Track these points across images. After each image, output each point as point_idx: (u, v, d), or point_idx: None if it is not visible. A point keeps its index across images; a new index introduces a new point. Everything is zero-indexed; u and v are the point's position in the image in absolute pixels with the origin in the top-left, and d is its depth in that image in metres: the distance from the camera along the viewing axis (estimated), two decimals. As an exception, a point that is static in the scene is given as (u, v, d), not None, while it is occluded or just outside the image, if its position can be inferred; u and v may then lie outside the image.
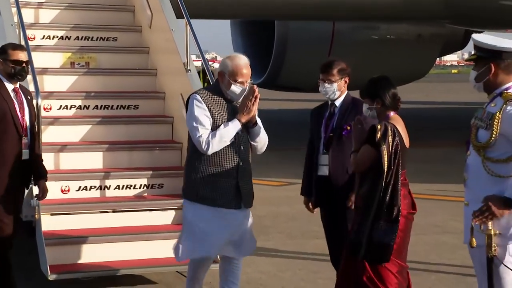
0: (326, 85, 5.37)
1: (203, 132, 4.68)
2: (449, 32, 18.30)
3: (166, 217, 6.10)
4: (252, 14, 15.28)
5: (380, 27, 18.16)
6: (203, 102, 4.74)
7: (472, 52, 4.16)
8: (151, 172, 6.35)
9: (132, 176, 6.30)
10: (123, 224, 5.99)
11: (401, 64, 17.82)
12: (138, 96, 7.10)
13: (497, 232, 3.89)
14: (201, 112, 4.72)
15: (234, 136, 4.74)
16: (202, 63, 7.47)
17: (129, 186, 6.25)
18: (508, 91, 4.01)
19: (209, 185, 4.72)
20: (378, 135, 4.49)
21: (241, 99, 4.80)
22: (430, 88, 37.77)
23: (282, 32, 17.14)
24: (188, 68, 6.63)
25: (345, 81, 5.39)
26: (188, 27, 6.76)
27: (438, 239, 7.63)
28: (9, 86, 5.24)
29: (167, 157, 6.58)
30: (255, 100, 4.73)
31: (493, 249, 3.88)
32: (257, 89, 4.74)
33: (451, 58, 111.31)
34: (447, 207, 8.89)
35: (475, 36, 4.16)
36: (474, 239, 3.91)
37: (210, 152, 4.68)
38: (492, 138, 3.93)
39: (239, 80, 4.77)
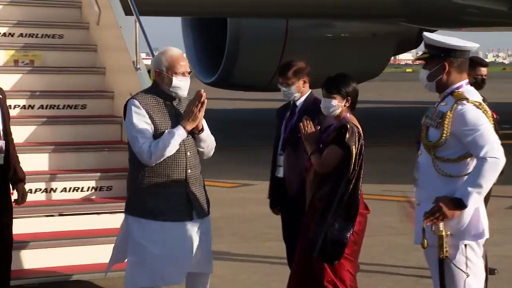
0: (284, 88, 5.37)
1: (144, 141, 4.42)
2: (403, 31, 18.53)
3: (115, 220, 6.05)
4: (203, 11, 15.26)
5: (334, 25, 18.30)
6: (142, 108, 4.47)
7: (423, 51, 4.22)
8: (99, 174, 6.29)
9: (80, 178, 6.23)
10: (70, 228, 5.93)
11: (355, 63, 17.97)
12: (86, 96, 7.03)
13: (448, 233, 3.95)
14: (140, 119, 4.45)
15: (180, 142, 4.49)
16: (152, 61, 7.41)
17: (76, 188, 6.18)
18: (459, 90, 4.08)
19: (155, 198, 4.45)
20: (347, 135, 4.59)
21: (187, 91, 4.58)
22: (384, 87, 38.17)
23: (234, 29, 17.14)
24: (138, 66, 6.58)
25: (304, 81, 5.40)
26: (137, 24, 6.72)
27: (393, 241, 7.72)
28: None
29: (116, 158, 6.52)
30: (201, 106, 4.47)
31: (444, 250, 3.95)
32: (204, 94, 4.49)
33: (406, 57, 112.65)
34: (399, 208, 8.99)
35: (427, 34, 4.22)
36: (425, 240, 3.97)
37: (153, 162, 4.44)
38: (443, 137, 3.99)
39: (179, 71, 4.53)
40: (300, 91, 5.38)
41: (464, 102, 4.02)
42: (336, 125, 4.78)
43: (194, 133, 4.57)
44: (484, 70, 6.32)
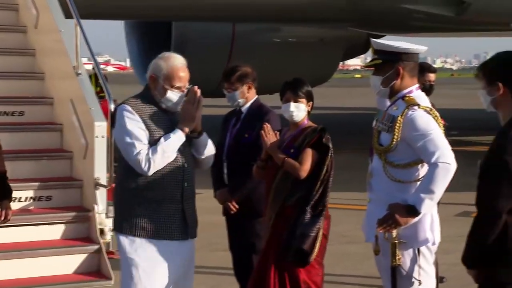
0: (228, 93, 5.36)
1: (141, 148, 4.10)
2: (351, 36, 18.70)
3: (54, 232, 5.94)
4: (147, 15, 15.15)
5: (282, 29, 18.37)
6: (135, 113, 4.17)
7: (372, 57, 4.24)
8: (38, 183, 6.17)
9: (17, 188, 6.07)
10: (7, 240, 5.78)
11: (303, 68, 18.05)
12: (24, 102, 6.89)
13: (401, 240, 3.98)
14: (135, 125, 4.14)
15: (177, 151, 4.19)
16: (93, 66, 7.31)
17: (13, 198, 6.03)
18: (410, 95, 4.12)
19: (149, 213, 4.15)
20: (325, 139, 4.69)
21: (179, 106, 4.27)
22: (332, 92, 38.50)
23: (179, 34, 17.06)
24: (79, 71, 6.48)
25: (249, 87, 5.38)
26: (78, 27, 6.62)
27: (344, 250, 7.74)
28: None
29: (56, 167, 6.40)
30: (198, 105, 4.21)
31: (397, 257, 3.99)
32: (199, 91, 4.24)
33: (354, 63, 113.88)
34: (352, 215, 9.04)
35: (378, 40, 4.25)
36: (378, 247, 4.01)
37: (152, 171, 4.11)
38: (394, 141, 4.03)
39: (176, 85, 4.24)
40: (245, 97, 5.36)
41: (415, 107, 4.07)
42: (301, 130, 4.81)
43: (192, 137, 4.29)
44: (432, 76, 6.41)
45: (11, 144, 6.49)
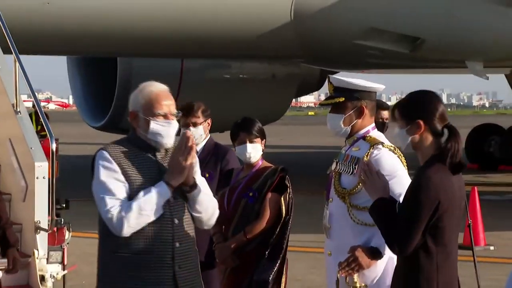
0: (192, 129, 5.27)
1: (113, 204, 3.59)
2: (304, 73, 18.88)
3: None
4: (90, 50, 15.10)
5: (231, 65, 18.47)
6: (113, 161, 3.67)
7: (330, 95, 4.26)
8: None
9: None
10: None
11: (255, 106, 18.15)
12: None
13: (363, 284, 4.00)
14: (110, 176, 3.63)
15: (164, 206, 3.66)
16: (34, 103, 7.26)
17: None
18: (370, 134, 4.16)
19: (132, 281, 3.64)
20: (287, 181, 4.74)
21: (173, 140, 3.78)
22: (285, 131, 38.69)
23: (125, 70, 17.05)
24: (18, 110, 6.42)
25: (208, 124, 5.39)
26: (17, 63, 6.58)
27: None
28: None
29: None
30: (189, 152, 3.64)
31: (358, 303, 3.98)
32: (192, 137, 3.71)
33: (308, 100, 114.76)
34: (305, 259, 9.05)
35: (336, 76, 4.29)
36: None
37: (126, 233, 3.59)
38: (360, 184, 4.01)
39: (160, 112, 3.70)
40: (206, 134, 5.37)
41: (380, 146, 4.10)
42: (258, 171, 4.81)
43: (184, 190, 3.73)
44: (385, 113, 6.52)
45: None
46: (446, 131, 3.55)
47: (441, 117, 3.58)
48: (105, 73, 17.45)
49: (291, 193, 4.74)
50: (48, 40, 13.15)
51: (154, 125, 3.71)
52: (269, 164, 4.87)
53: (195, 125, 5.31)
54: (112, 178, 3.65)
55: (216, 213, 3.85)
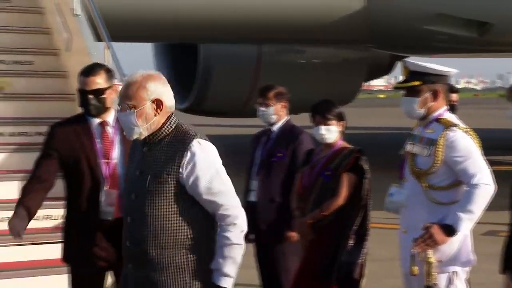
0: (262, 108, 5.45)
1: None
2: (375, 57, 18.75)
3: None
4: (174, 37, 15.33)
5: (305, 50, 18.48)
6: None
7: (405, 78, 4.20)
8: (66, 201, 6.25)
9: (50, 206, 6.18)
10: (42, 257, 5.88)
11: (327, 89, 18.15)
12: (56, 123, 7.01)
13: (437, 260, 3.98)
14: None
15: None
16: (123, 87, 7.45)
17: (47, 216, 6.15)
18: (443, 117, 4.13)
19: None
20: (362, 161, 4.76)
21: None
22: (356, 113, 38.42)
23: (206, 55, 17.25)
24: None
25: (283, 106, 5.49)
26: (108, 50, 6.75)
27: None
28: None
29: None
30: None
31: (433, 277, 3.98)
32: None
33: (378, 83, 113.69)
34: (374, 234, 9.01)
35: (412, 61, 4.26)
36: (415, 267, 3.99)
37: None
38: (436, 164, 4.02)
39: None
40: (278, 115, 5.46)
41: (454, 128, 4.07)
42: (336, 151, 4.85)
43: None
44: (455, 96, 6.46)
45: (45, 163, 6.61)
46: None
47: None
48: (188, 59, 17.68)
49: (368, 174, 4.74)
50: (136, 28, 13.41)
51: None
52: (347, 145, 4.90)
53: (266, 105, 5.42)
54: None
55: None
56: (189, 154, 3.30)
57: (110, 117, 4.43)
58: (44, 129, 6.88)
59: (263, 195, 5.40)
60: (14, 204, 6.11)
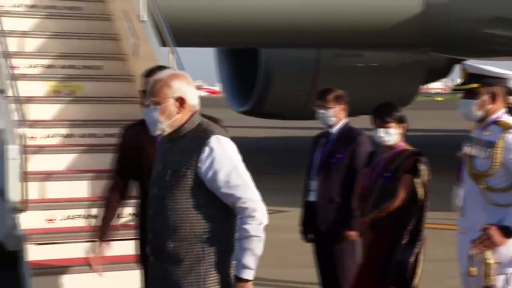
0: (321, 111, 5.52)
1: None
2: (433, 60, 18.58)
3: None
4: (236, 42, 15.49)
5: (363, 54, 18.43)
6: None
7: (463, 81, 4.18)
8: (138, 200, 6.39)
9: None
10: (111, 253, 6.01)
11: (385, 92, 18.07)
12: (124, 125, 7.17)
13: (495, 261, 3.97)
14: None
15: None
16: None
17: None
18: (501, 119, 4.13)
19: None
20: (422, 163, 4.78)
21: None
22: (414, 115, 37.92)
23: (267, 59, 17.37)
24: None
25: (342, 108, 5.55)
26: (171, 55, 6.89)
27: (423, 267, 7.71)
28: None
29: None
30: None
31: (491, 278, 3.96)
32: None
33: (436, 86, 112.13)
34: (433, 234, 8.94)
35: (471, 64, 4.25)
36: (473, 268, 3.99)
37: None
38: (494, 166, 4.01)
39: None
40: (337, 117, 5.52)
41: None
42: (396, 153, 4.89)
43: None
44: (512, 99, 6.38)
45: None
46: None
47: None
48: (248, 63, 17.83)
49: (428, 176, 4.76)
50: (199, 34, 13.59)
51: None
52: (408, 147, 4.92)
53: (325, 108, 5.49)
54: None
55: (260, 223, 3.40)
56: (207, 149, 3.38)
57: None
58: (112, 131, 7.09)
59: (323, 195, 5.46)
60: (85, 203, 6.32)
